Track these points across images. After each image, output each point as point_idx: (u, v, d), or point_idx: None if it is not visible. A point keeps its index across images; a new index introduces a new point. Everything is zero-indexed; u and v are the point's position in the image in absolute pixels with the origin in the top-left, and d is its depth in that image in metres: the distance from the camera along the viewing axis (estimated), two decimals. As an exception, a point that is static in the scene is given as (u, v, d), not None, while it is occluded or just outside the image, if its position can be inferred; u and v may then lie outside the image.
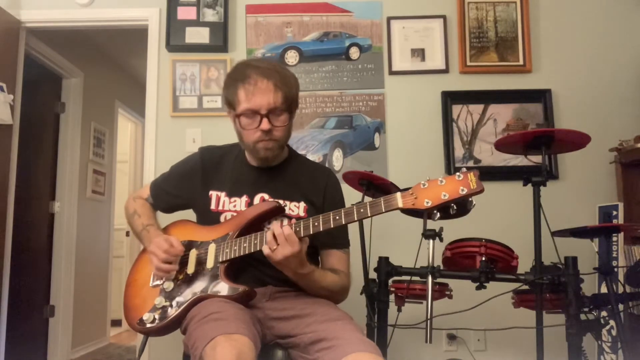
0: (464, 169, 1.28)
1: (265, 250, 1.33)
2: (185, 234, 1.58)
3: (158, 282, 1.52)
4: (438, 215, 1.28)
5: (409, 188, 1.32)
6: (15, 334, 3.16)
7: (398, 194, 1.29)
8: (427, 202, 1.25)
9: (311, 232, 1.35)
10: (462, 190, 1.24)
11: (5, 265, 2.91)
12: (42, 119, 3.80)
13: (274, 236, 1.32)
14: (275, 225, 1.33)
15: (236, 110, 1.52)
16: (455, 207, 1.27)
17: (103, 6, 2.97)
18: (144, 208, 1.68)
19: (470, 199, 1.26)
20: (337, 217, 1.34)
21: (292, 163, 1.67)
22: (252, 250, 1.43)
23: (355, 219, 1.32)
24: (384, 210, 1.30)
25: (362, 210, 1.31)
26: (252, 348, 1.21)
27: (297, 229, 1.36)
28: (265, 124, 1.48)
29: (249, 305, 1.43)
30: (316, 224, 1.35)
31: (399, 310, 1.98)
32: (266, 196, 1.57)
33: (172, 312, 1.45)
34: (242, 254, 1.44)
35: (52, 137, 3.85)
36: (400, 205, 1.28)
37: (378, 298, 1.96)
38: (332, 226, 1.34)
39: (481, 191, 1.24)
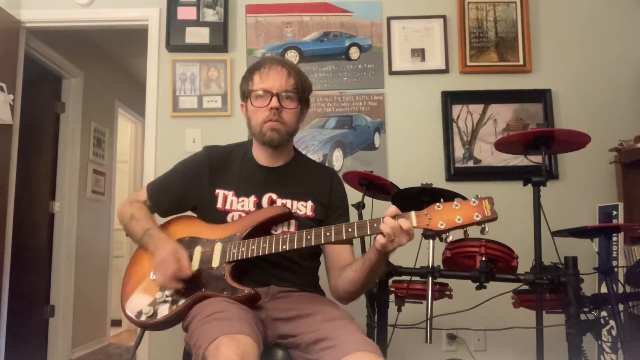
0: (478, 195, 1.29)
1: (382, 240, 1.30)
2: (190, 230, 1.57)
3: None
4: (450, 237, 1.31)
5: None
6: (15, 334, 3.16)
7: (412, 213, 1.31)
8: (442, 225, 1.27)
9: (322, 242, 1.38)
10: (477, 216, 1.26)
11: (5, 265, 2.91)
12: (42, 119, 3.80)
13: (392, 228, 1.29)
14: (390, 220, 1.29)
15: (250, 94, 1.58)
16: (468, 232, 1.29)
17: (103, 6, 2.97)
18: (141, 211, 1.62)
19: (483, 226, 1.28)
20: (350, 230, 1.35)
21: (298, 163, 1.69)
22: (261, 254, 1.43)
23: (369, 233, 1.33)
24: None
25: (375, 225, 1.32)
26: (255, 349, 1.21)
27: (309, 237, 1.38)
28: (274, 102, 1.53)
29: (252, 306, 1.43)
30: (328, 234, 1.37)
31: (399, 310, 1.98)
32: (274, 196, 1.58)
33: (173, 308, 1.44)
34: (250, 256, 1.44)
35: (52, 137, 3.85)
36: (414, 224, 1.29)
37: (378, 298, 1.96)
38: (344, 238, 1.36)
39: (495, 219, 1.26)
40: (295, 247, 1.40)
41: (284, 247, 1.41)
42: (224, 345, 1.17)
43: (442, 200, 1.31)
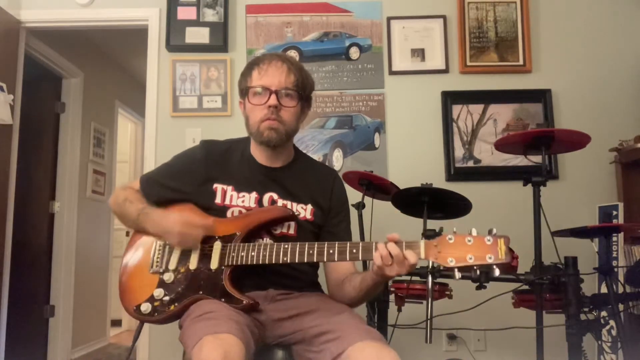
0: (494, 232, 1.22)
1: (378, 261, 1.26)
2: None
3: (157, 269, 1.48)
4: (459, 275, 1.24)
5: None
6: (15, 334, 3.16)
7: (422, 243, 1.25)
8: (451, 261, 1.21)
9: (325, 260, 1.35)
10: (490, 258, 1.19)
11: (6, 265, 2.91)
12: (42, 119, 3.80)
13: (391, 255, 1.24)
14: (393, 247, 1.24)
15: (248, 91, 1.52)
16: (478, 272, 1.25)
17: (103, 6, 2.97)
18: (135, 195, 1.59)
19: (494, 267, 1.20)
20: (355, 251, 1.32)
21: (299, 164, 1.64)
22: (260, 262, 1.40)
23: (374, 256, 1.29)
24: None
25: None
26: (241, 347, 1.17)
27: (311, 252, 1.35)
28: (273, 100, 1.47)
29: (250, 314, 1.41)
30: (331, 251, 1.34)
31: (399, 310, 1.98)
32: (275, 196, 1.54)
33: (171, 307, 1.42)
34: (249, 263, 1.41)
35: (52, 137, 3.85)
36: (422, 256, 1.24)
37: (378, 298, 1.96)
38: (347, 259, 1.33)
39: (508, 264, 1.20)
40: (297, 261, 1.37)
41: (285, 259, 1.37)
42: (206, 345, 1.15)
43: (455, 230, 1.24)
